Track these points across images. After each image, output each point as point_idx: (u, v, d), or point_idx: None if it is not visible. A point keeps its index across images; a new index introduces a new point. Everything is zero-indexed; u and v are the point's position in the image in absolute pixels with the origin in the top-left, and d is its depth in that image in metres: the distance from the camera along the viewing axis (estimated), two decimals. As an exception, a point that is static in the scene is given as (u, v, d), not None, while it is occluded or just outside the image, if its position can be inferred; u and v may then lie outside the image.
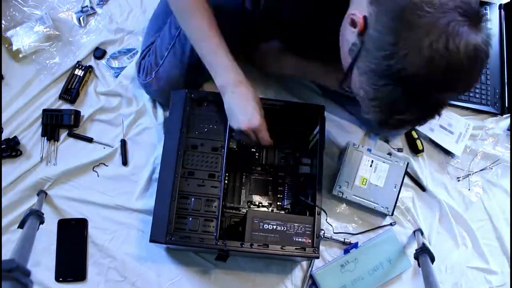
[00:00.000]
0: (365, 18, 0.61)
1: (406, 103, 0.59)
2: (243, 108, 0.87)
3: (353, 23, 0.63)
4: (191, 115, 0.96)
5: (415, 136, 1.18)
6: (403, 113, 0.61)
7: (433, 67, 0.54)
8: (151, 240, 0.88)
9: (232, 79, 0.87)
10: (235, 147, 1.06)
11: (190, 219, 0.91)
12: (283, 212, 1.05)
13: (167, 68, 1.01)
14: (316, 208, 0.92)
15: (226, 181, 1.03)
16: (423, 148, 1.17)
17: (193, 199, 0.92)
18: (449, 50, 0.53)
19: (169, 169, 0.92)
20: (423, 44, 0.54)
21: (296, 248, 0.88)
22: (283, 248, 0.88)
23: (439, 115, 0.62)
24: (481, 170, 1.22)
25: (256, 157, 1.09)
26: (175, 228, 0.89)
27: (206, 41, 0.86)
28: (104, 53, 1.16)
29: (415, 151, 1.18)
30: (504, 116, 1.26)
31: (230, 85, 0.87)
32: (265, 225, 0.89)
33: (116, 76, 1.14)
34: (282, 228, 0.89)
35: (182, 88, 1.00)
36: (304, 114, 1.02)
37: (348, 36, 0.66)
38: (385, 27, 0.57)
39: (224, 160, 0.94)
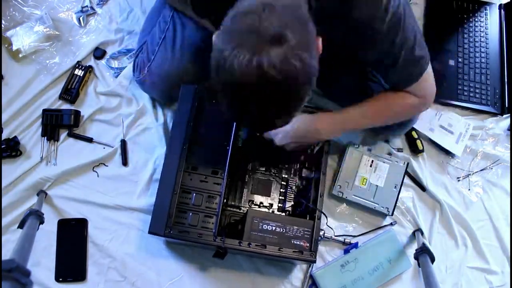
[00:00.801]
0: None
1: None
2: None
3: None
4: (199, 110, 0.96)
5: (415, 136, 1.18)
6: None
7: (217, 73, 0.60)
8: (150, 232, 0.88)
9: None
10: (241, 145, 1.06)
11: (190, 214, 0.91)
12: (283, 214, 1.05)
13: (159, 62, 1.02)
14: (316, 212, 0.92)
15: (229, 179, 1.03)
16: (423, 148, 1.17)
17: (194, 194, 0.93)
18: (225, 66, 0.58)
19: (173, 162, 0.92)
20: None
21: (293, 251, 0.88)
22: (281, 249, 0.88)
23: None
24: (481, 170, 1.22)
25: (261, 157, 1.09)
26: (175, 221, 0.90)
27: None
28: (104, 53, 1.16)
29: (415, 151, 1.18)
30: (504, 116, 1.26)
31: None
32: (264, 226, 0.89)
33: (116, 76, 1.14)
34: (281, 230, 0.90)
35: (174, 83, 1.01)
36: None
37: None
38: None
39: (229, 158, 0.94)
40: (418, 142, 1.17)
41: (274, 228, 0.89)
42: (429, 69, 0.87)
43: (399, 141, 1.19)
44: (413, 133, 1.18)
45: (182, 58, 1.00)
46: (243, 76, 0.57)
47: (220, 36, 0.60)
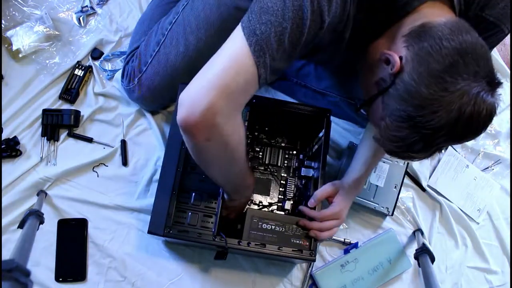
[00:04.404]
0: (401, 60, 0.63)
1: (421, 147, 0.64)
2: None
3: (387, 62, 0.66)
4: None
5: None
6: (416, 153, 0.66)
7: (457, 126, 0.60)
8: (149, 232, 0.88)
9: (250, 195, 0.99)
10: None
11: (190, 213, 0.91)
12: (283, 213, 1.05)
13: (150, 75, 1.00)
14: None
15: None
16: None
17: (193, 194, 0.93)
18: (473, 114, 0.59)
19: (172, 162, 0.92)
20: (454, 106, 0.58)
21: (293, 250, 0.88)
22: (280, 248, 0.88)
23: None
24: (482, 170, 1.21)
25: (260, 156, 1.09)
26: (174, 221, 0.90)
27: (242, 170, 0.83)
28: (101, 54, 1.16)
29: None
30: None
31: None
32: (263, 225, 0.89)
33: (109, 79, 1.14)
34: (281, 229, 0.90)
35: (164, 96, 1.01)
36: (310, 116, 1.01)
37: (379, 70, 0.69)
38: (421, 79, 0.60)
39: None
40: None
41: (273, 227, 0.89)
42: None
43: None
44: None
45: (174, 73, 0.98)
46: (481, 113, 0.59)
47: (429, 80, 0.59)
